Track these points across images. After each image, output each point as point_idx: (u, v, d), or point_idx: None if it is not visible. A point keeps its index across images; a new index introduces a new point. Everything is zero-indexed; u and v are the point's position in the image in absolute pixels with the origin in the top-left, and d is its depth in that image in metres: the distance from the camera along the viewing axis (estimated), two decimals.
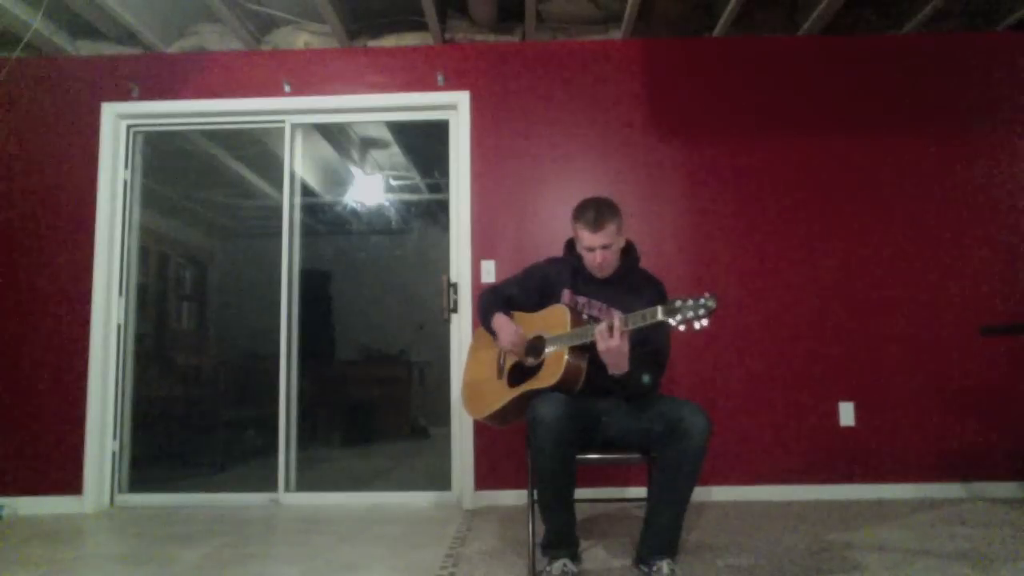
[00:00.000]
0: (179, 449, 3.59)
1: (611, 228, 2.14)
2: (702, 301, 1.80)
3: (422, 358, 3.70)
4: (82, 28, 3.53)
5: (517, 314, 2.31)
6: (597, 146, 3.44)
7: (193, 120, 3.61)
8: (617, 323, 1.93)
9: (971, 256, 3.34)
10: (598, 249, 2.14)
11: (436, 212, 3.73)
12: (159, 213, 3.72)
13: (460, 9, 3.50)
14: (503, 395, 2.20)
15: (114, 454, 3.40)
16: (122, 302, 3.49)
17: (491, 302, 2.33)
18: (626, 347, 1.97)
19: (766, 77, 3.46)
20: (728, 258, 3.36)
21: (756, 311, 3.32)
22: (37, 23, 3.26)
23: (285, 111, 3.55)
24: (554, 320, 2.15)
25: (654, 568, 1.99)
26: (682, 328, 1.83)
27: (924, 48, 3.46)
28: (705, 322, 1.80)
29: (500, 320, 2.25)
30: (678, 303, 1.84)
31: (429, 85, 3.49)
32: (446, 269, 3.45)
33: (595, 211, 2.13)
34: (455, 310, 3.38)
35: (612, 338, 1.92)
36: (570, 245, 2.35)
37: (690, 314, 1.81)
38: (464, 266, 3.36)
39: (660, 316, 1.86)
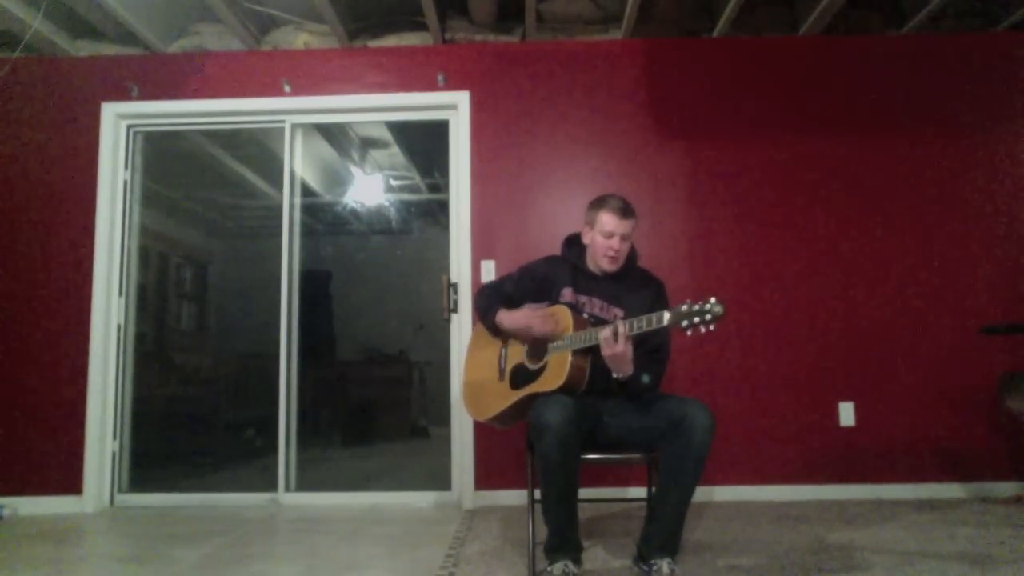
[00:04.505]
0: (179, 449, 3.59)
1: (633, 222, 2.19)
2: (708, 307, 1.77)
3: (422, 358, 3.70)
4: (82, 28, 3.54)
5: None
6: (597, 145, 3.44)
7: (193, 120, 3.61)
8: (622, 329, 1.92)
9: (971, 256, 3.34)
10: (618, 236, 2.15)
11: (436, 212, 3.73)
12: (159, 213, 3.72)
13: (460, 9, 3.50)
14: (505, 397, 2.18)
15: (114, 454, 3.40)
16: (122, 302, 3.49)
17: (491, 299, 2.31)
18: (631, 352, 1.97)
19: (766, 77, 3.46)
20: (728, 257, 3.36)
21: (756, 311, 3.32)
22: (37, 23, 3.26)
23: (285, 111, 3.55)
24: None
25: (654, 567, 1.99)
26: (689, 333, 1.81)
27: (924, 48, 3.46)
28: (712, 327, 1.78)
29: (504, 314, 2.23)
30: (684, 308, 1.82)
31: (429, 85, 3.49)
32: (446, 269, 3.45)
33: (623, 201, 2.18)
34: (455, 310, 3.38)
35: (617, 344, 1.92)
36: (568, 243, 2.35)
37: (696, 320, 1.79)
38: (464, 266, 3.36)
39: (666, 322, 1.85)
